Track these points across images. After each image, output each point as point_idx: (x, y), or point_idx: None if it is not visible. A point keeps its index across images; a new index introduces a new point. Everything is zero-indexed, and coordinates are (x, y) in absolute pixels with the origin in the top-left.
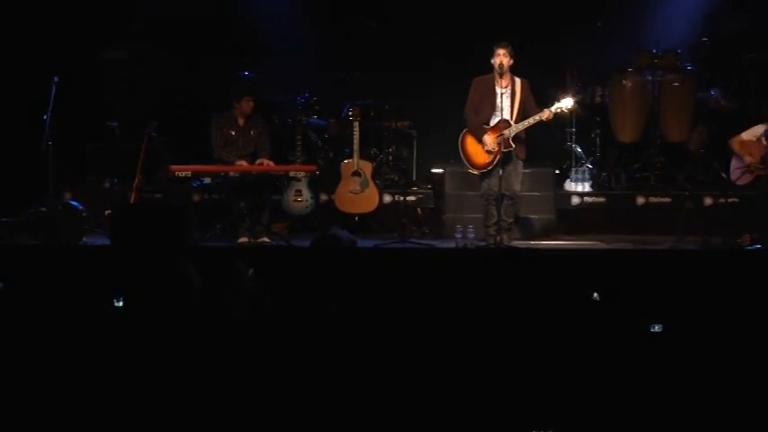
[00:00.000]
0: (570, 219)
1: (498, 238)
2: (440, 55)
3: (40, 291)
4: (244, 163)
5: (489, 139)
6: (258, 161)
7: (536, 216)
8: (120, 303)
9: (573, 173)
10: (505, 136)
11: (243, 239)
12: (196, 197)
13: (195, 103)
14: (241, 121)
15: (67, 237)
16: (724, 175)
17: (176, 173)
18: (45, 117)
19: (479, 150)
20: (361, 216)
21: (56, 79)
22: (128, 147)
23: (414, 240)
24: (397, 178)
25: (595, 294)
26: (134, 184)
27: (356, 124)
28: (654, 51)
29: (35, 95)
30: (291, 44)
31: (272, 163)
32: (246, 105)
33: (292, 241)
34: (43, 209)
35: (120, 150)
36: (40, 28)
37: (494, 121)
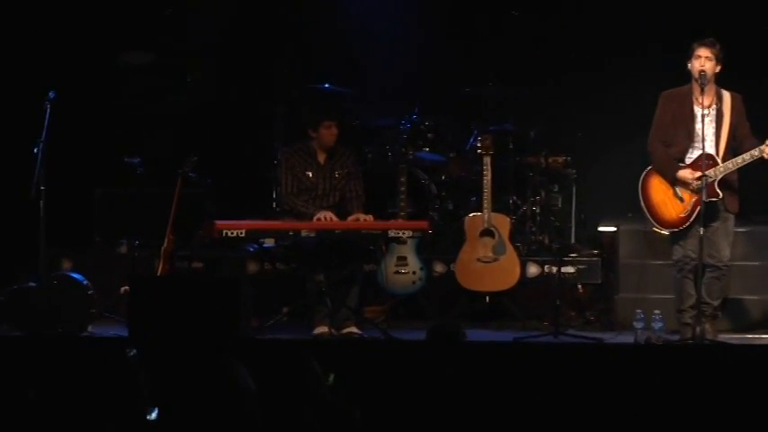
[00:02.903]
0: None
1: (698, 328)
2: (611, 58)
3: (27, 402)
4: (326, 217)
5: (685, 182)
6: (353, 217)
7: (755, 297)
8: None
9: None
10: (709, 179)
11: (321, 329)
12: (252, 267)
13: (253, 129)
14: (321, 158)
15: (66, 324)
16: None
17: (224, 231)
18: (35, 150)
19: (670, 199)
20: (495, 296)
21: (51, 95)
22: (154, 193)
23: (573, 332)
24: (547, 240)
25: None
26: (163, 249)
27: (487, 160)
28: None
29: (23, 118)
30: (392, 43)
31: (370, 217)
32: (328, 134)
33: (393, 333)
34: (32, 284)
35: (144, 198)
36: (31, 23)
37: (691, 157)
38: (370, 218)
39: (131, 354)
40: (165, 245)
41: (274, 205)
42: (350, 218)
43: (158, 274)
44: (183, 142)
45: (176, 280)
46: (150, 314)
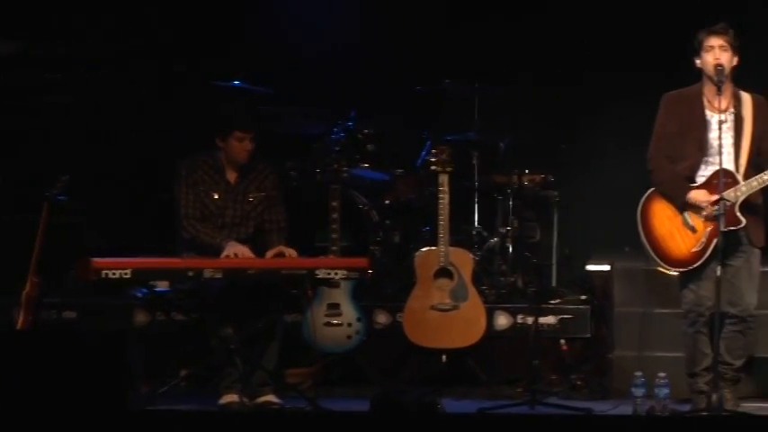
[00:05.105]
0: None
1: (715, 396)
2: (602, 52)
3: None
4: (237, 253)
5: (698, 207)
6: (274, 250)
7: None
8: None
9: None
10: (728, 202)
11: (229, 398)
12: (141, 318)
13: (144, 139)
14: (231, 176)
15: None
16: None
17: (104, 272)
18: None
19: (678, 230)
20: (455, 354)
21: None
22: (11, 221)
23: (555, 401)
24: (521, 283)
25: None
26: (24, 294)
27: (444, 179)
28: None
29: None
30: (322, 29)
31: (293, 252)
32: (239, 148)
33: (323, 402)
34: None
35: None
36: None
37: (704, 175)
38: (293, 252)
39: None
40: (27, 289)
41: (183, 234)
42: (269, 252)
43: (18, 327)
44: (51, 157)
45: (41, 335)
46: (6, 380)
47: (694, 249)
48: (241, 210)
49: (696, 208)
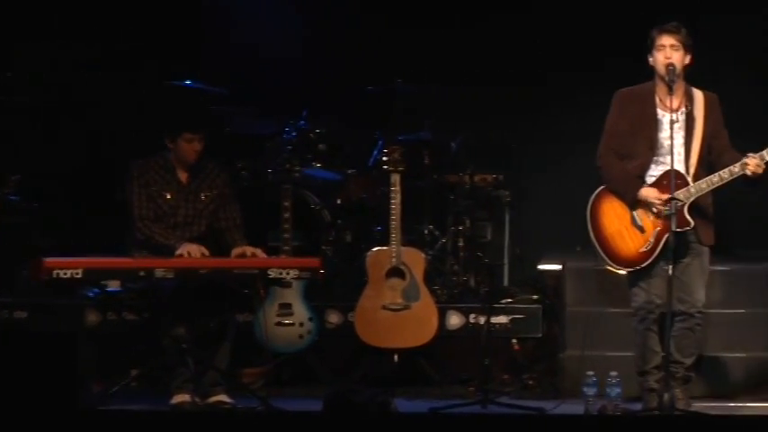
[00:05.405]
0: None
1: (666, 395)
2: (555, 52)
3: None
4: (191, 252)
5: (648, 205)
6: (238, 251)
7: (738, 354)
8: None
9: None
10: (679, 202)
11: (181, 398)
12: (93, 318)
13: (95, 139)
14: (182, 176)
15: None
16: None
17: (55, 272)
18: None
19: (627, 229)
20: (406, 353)
21: None
22: None
23: (506, 400)
24: (473, 282)
25: None
26: None
27: (396, 179)
28: None
29: None
30: (273, 28)
31: (259, 251)
32: (188, 149)
33: (275, 402)
34: None
35: None
36: None
37: (655, 175)
38: (259, 252)
39: None
40: None
41: (136, 234)
42: (234, 251)
43: None
44: (3, 155)
45: None
46: None
47: (642, 249)
48: (193, 209)
49: (647, 206)
